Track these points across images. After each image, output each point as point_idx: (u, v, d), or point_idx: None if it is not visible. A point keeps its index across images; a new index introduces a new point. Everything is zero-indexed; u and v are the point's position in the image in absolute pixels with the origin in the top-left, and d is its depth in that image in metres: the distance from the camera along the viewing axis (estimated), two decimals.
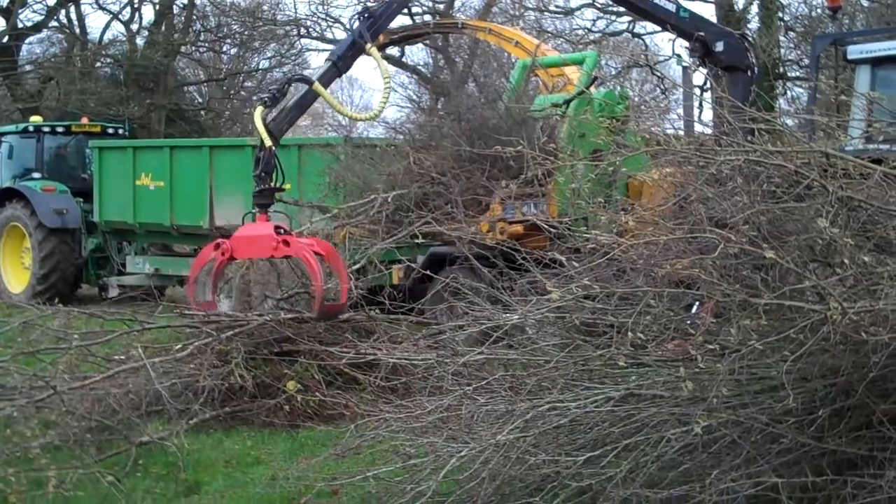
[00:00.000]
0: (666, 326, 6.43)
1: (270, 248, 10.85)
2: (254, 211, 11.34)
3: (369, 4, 12.59)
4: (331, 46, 39.98)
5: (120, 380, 9.97)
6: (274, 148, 11.25)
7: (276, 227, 11.02)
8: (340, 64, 12.18)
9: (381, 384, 8.83)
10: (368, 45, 12.15)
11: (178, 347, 10.49)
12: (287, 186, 11.70)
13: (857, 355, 5.75)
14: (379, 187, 13.41)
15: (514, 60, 17.54)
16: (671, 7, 15.06)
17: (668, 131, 9.34)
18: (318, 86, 11.67)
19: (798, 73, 29.63)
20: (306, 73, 12.10)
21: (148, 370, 9.69)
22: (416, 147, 14.19)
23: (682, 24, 14.98)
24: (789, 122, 12.35)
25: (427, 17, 37.71)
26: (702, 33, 15.07)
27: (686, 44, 15.33)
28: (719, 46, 15.03)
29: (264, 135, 11.15)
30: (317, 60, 44.16)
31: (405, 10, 38.71)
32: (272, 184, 11.29)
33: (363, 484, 7.01)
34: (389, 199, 13.16)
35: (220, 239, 11.31)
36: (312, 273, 10.51)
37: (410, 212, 13.00)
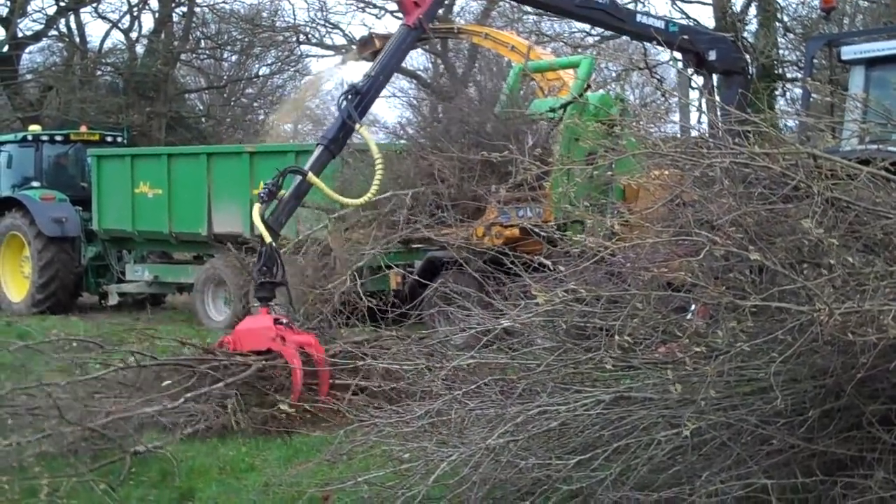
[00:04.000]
0: (654, 329, 6.42)
1: (269, 339, 10.96)
2: (255, 305, 11.52)
3: (355, 82, 12.68)
4: (329, 53, 40.20)
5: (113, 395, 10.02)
6: (274, 244, 11.40)
7: (276, 320, 11.15)
8: (333, 147, 12.31)
9: (372, 389, 8.85)
10: (358, 126, 12.29)
11: (166, 384, 10.49)
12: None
13: (846, 356, 5.74)
14: (389, 190, 13.44)
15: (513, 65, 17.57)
16: (660, 24, 15.20)
17: (664, 134, 9.35)
18: (311, 176, 11.81)
19: (797, 75, 29.62)
20: (307, 165, 12.19)
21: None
22: (419, 151, 14.23)
23: (673, 39, 15.00)
24: (789, 123, 12.37)
25: None
26: (693, 46, 15.11)
27: (682, 60, 15.42)
28: (712, 55, 15.11)
29: (264, 231, 11.30)
30: (316, 66, 44.24)
31: None
32: (273, 278, 11.46)
33: (355, 489, 7.00)
34: (408, 198, 13.22)
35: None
36: (294, 381, 10.58)
37: (428, 212, 13.05)
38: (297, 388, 10.45)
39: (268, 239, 11.29)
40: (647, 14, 15.39)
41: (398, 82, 40.92)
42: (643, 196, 11.57)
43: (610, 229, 6.92)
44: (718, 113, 7.45)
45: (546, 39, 34.25)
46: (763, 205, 6.26)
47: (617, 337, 6.26)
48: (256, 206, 11.52)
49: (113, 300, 21.23)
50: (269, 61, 44.80)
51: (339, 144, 12.43)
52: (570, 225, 9.57)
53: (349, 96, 12.41)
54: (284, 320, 11.16)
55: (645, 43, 35.65)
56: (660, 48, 33.93)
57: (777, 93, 27.64)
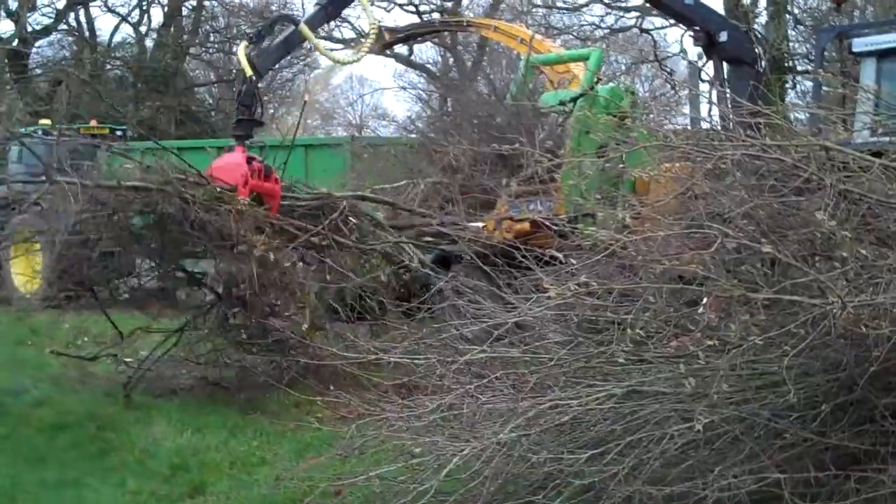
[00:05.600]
0: (666, 322, 6.40)
1: (241, 176, 11.31)
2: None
3: None
4: (339, 46, 40.19)
5: None
6: (255, 79, 11.44)
7: (249, 159, 11.49)
8: (330, 9, 12.33)
9: (383, 384, 8.83)
10: None
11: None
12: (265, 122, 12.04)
13: (859, 349, 5.72)
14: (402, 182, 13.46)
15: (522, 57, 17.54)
16: None
17: (676, 126, 9.33)
18: (303, 27, 11.85)
19: (808, 67, 29.55)
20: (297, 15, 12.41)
21: None
22: (430, 144, 14.24)
23: (686, 11, 14.93)
24: (800, 115, 12.35)
25: (435, 15, 37.75)
26: (704, 23, 15.03)
27: (693, 37, 15.29)
28: (723, 36, 14.98)
29: (247, 67, 11.38)
30: (326, 60, 44.19)
31: (413, 8, 38.89)
32: (252, 116, 11.55)
33: (367, 484, 6.99)
34: (423, 187, 13.23)
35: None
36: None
37: (438, 206, 13.06)
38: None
39: (248, 73, 11.38)
40: None
41: (408, 76, 40.96)
42: (654, 189, 11.52)
43: (621, 222, 6.89)
44: (730, 105, 7.42)
45: (555, 32, 34.24)
46: (775, 197, 6.24)
47: (629, 330, 6.24)
48: (243, 44, 11.65)
49: (124, 295, 21.19)
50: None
51: (336, 7, 12.48)
52: (582, 218, 9.54)
53: None
54: (258, 161, 11.38)
55: (653, 35, 35.79)
56: (669, 42, 33.81)
57: (788, 85, 27.58)
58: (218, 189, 11.16)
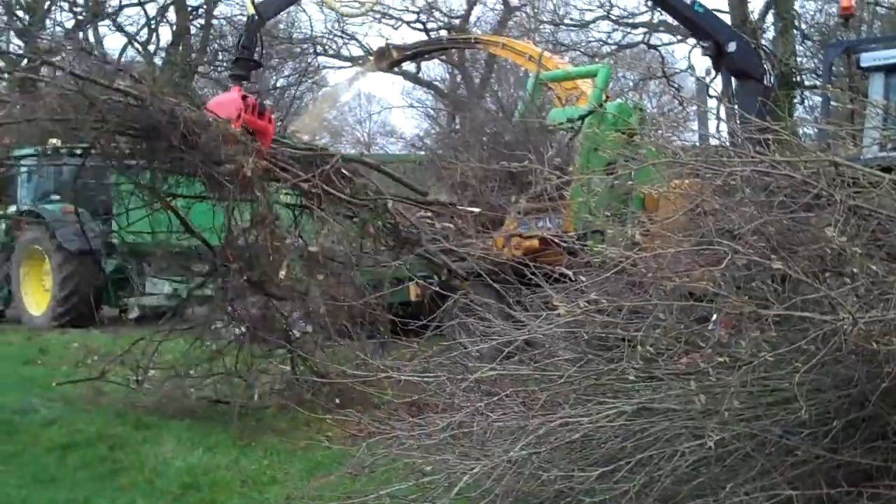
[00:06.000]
0: (677, 339, 6.39)
1: (235, 109, 11.37)
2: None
3: None
4: (346, 64, 40.29)
5: None
6: (257, 20, 11.58)
7: (244, 97, 11.61)
8: None
9: (393, 402, 8.83)
10: None
11: None
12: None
13: (871, 365, 5.71)
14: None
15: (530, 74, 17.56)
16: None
17: (684, 143, 9.32)
18: None
19: (815, 82, 29.52)
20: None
21: None
22: (439, 161, 14.25)
23: (696, 18, 14.93)
24: (809, 130, 12.35)
25: (442, 33, 37.83)
26: (713, 32, 15.02)
27: (702, 46, 15.28)
28: (731, 47, 14.99)
29: (250, 7, 11.49)
30: (334, 78, 44.36)
31: (420, 26, 38.98)
32: (251, 56, 11.68)
33: (378, 502, 6.97)
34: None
35: None
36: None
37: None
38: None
39: (251, 11, 11.52)
40: None
41: (416, 93, 41.04)
42: (664, 205, 11.52)
43: (631, 239, 6.88)
44: (738, 121, 7.42)
45: (563, 49, 34.29)
46: (785, 213, 6.23)
47: (639, 347, 6.23)
48: None
49: (133, 313, 21.24)
50: (287, 73, 44.86)
51: None
52: (591, 235, 9.54)
53: None
54: (252, 98, 11.53)
55: (661, 51, 35.83)
56: (676, 58, 33.83)
57: (796, 100, 27.57)
58: (211, 117, 11.16)
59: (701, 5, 15.15)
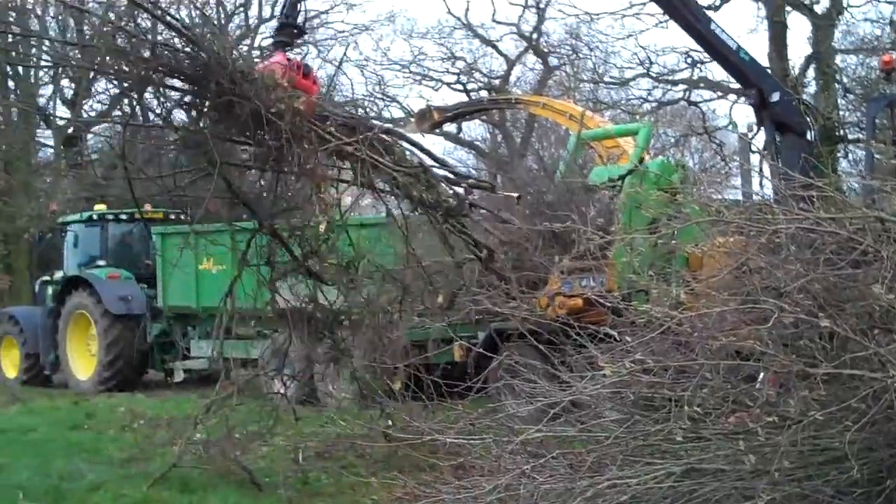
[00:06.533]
0: (724, 399, 6.33)
1: (281, 67, 11.27)
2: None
3: None
4: (388, 126, 40.48)
5: None
6: None
7: (289, 59, 11.61)
8: None
9: (438, 464, 8.79)
10: None
11: None
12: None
13: None
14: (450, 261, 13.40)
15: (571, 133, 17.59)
16: (733, 45, 14.97)
17: (727, 200, 9.28)
18: None
19: (859, 136, 29.38)
20: None
21: None
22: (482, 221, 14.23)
23: (741, 64, 14.89)
24: (854, 185, 12.28)
25: (483, 93, 38.00)
26: (758, 80, 14.97)
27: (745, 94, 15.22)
28: (775, 97, 14.89)
29: None
30: None
31: (461, 87, 39.20)
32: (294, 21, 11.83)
33: None
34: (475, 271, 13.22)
35: None
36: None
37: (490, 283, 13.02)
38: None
39: None
40: (723, 30, 15.10)
41: (457, 153, 41.17)
42: (708, 264, 11.46)
43: (676, 298, 6.84)
44: (781, 177, 7.39)
45: (603, 107, 34.33)
46: (831, 270, 6.18)
47: (686, 407, 6.18)
48: None
49: (178, 377, 21.32)
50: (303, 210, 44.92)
51: None
52: (635, 294, 9.50)
53: None
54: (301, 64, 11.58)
55: (701, 107, 35.84)
56: (717, 114, 33.79)
57: (840, 154, 27.45)
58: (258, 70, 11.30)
59: (746, 52, 15.13)
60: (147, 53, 10.69)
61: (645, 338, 6.55)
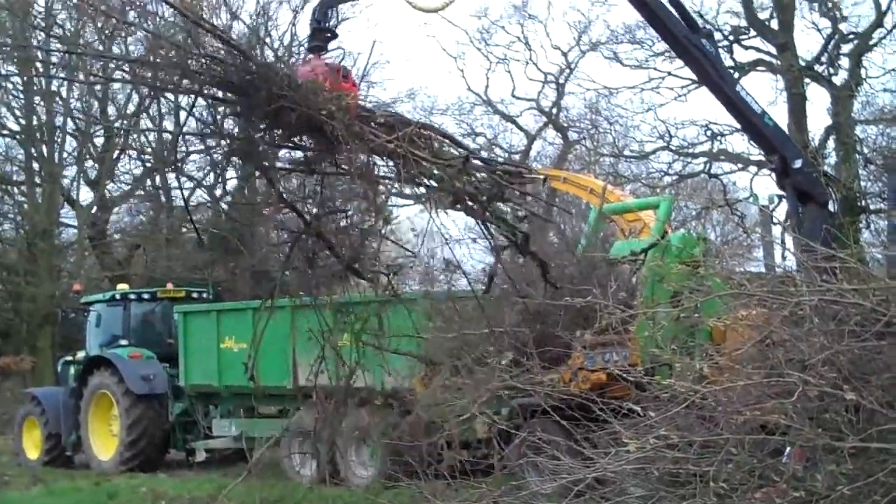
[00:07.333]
0: (750, 474, 6.25)
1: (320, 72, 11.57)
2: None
3: None
4: (410, 202, 40.68)
5: None
6: None
7: (326, 62, 11.84)
8: None
9: None
10: None
11: None
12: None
13: None
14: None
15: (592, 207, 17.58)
16: (757, 109, 14.98)
17: (750, 273, 9.25)
18: None
19: (881, 206, 29.31)
20: None
21: None
22: (504, 296, 14.22)
23: (765, 130, 14.90)
24: (877, 255, 12.21)
25: None
26: (780, 147, 14.97)
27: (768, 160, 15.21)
28: (797, 164, 14.85)
29: None
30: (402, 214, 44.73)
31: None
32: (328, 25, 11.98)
33: None
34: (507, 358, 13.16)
35: None
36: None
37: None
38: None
39: None
40: (749, 94, 15.06)
41: (478, 229, 41.21)
42: (731, 337, 11.38)
43: (699, 372, 6.79)
44: (803, 249, 7.36)
45: (623, 181, 34.37)
46: (855, 342, 6.13)
47: (712, 483, 6.11)
48: None
49: (200, 456, 21.20)
50: (350, 212, 45.18)
51: None
52: (658, 369, 9.42)
53: None
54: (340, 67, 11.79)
55: (722, 179, 35.86)
56: (737, 186, 33.79)
57: (862, 224, 27.38)
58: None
59: (770, 118, 15.13)
60: (196, 66, 10.97)
61: (669, 412, 6.51)
